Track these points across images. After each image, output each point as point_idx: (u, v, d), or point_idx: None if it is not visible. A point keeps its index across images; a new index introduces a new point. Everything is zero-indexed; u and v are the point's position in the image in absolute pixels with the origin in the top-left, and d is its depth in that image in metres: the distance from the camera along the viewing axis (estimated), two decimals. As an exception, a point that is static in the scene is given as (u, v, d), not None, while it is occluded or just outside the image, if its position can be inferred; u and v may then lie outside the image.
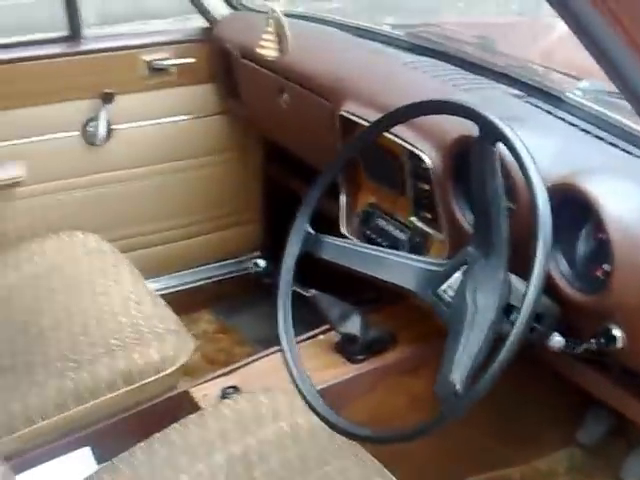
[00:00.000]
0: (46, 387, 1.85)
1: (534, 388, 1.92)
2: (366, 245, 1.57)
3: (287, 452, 1.63)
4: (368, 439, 1.45)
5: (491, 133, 1.32)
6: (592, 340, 1.40)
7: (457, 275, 1.43)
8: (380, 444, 1.52)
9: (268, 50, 1.90)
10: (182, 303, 2.66)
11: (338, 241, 1.57)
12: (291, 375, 1.52)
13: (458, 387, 1.26)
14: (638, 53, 0.84)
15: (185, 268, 2.82)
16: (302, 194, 2.37)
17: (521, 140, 1.29)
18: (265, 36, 1.89)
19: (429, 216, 1.83)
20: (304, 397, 1.50)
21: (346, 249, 1.56)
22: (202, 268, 2.83)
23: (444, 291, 1.44)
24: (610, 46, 0.85)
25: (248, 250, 2.90)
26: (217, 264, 2.87)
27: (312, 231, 1.59)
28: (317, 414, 1.48)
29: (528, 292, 1.23)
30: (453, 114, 1.42)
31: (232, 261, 2.88)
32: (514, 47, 2.04)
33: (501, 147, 1.34)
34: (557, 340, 1.38)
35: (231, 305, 2.81)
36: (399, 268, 1.49)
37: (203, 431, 1.67)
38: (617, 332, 1.37)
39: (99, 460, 1.83)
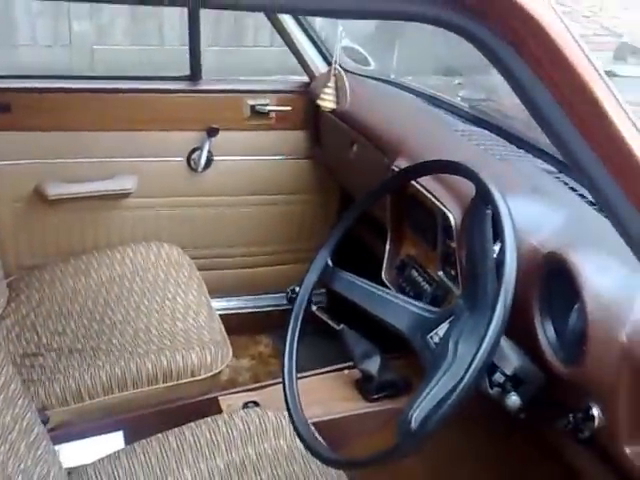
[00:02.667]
0: (100, 371, 1.87)
1: (528, 459, 1.73)
2: (374, 285, 1.48)
3: (279, 469, 1.57)
4: (327, 461, 1.35)
5: (484, 194, 1.22)
6: (570, 415, 1.25)
7: (445, 324, 1.32)
8: (333, 467, 1.42)
9: (326, 102, 1.85)
10: (245, 324, 2.67)
11: (350, 276, 1.50)
12: (286, 400, 1.44)
13: (413, 425, 1.15)
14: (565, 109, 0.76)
15: (254, 293, 2.78)
16: (368, 242, 2.34)
17: (506, 204, 1.18)
18: (326, 89, 1.84)
19: (453, 273, 1.72)
20: (292, 422, 1.41)
21: (354, 285, 1.48)
22: (270, 296, 2.78)
23: (431, 337, 1.33)
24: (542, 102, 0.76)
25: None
26: (283, 294, 2.81)
27: (330, 264, 1.52)
28: (298, 433, 1.40)
29: (479, 349, 1.11)
30: (456, 174, 1.32)
31: (301, 294, 2.82)
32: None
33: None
34: (513, 400, 1.25)
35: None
36: (395, 309, 1.40)
37: (213, 434, 1.63)
38: (595, 411, 1.22)
39: (127, 443, 1.80)
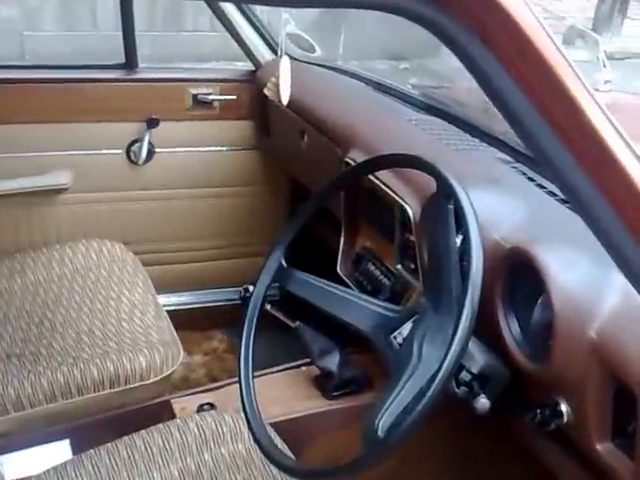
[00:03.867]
0: (41, 377, 1.79)
1: (500, 456, 1.72)
2: (331, 284, 1.44)
3: (237, 475, 1.52)
4: (287, 469, 1.32)
5: (446, 190, 1.20)
6: (538, 411, 1.24)
7: (408, 324, 1.30)
8: (295, 477, 1.38)
9: (270, 92, 1.82)
10: (196, 320, 2.62)
11: (305, 276, 1.46)
12: (242, 404, 1.40)
13: (380, 434, 1.12)
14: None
15: (204, 288, 2.72)
16: (322, 236, 2.31)
17: (469, 200, 1.16)
18: (272, 79, 1.81)
19: (412, 266, 1.70)
20: (251, 428, 1.38)
21: (311, 285, 1.44)
22: (222, 290, 2.73)
23: (394, 337, 1.30)
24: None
25: None
26: (235, 289, 2.76)
27: (285, 264, 1.48)
28: (255, 439, 1.36)
29: (448, 353, 1.09)
30: (416, 168, 1.30)
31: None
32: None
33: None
34: (482, 402, 1.24)
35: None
36: (356, 309, 1.37)
37: (165, 441, 1.57)
38: (564, 407, 1.21)
39: (75, 454, 1.74)
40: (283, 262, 1.48)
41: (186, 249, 2.66)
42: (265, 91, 1.83)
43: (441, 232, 1.22)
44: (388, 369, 1.28)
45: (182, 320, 2.13)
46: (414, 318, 1.29)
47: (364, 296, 1.41)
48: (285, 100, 1.84)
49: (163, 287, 2.35)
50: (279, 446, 1.42)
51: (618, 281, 1.14)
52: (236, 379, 1.89)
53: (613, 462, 1.14)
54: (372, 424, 1.14)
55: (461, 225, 1.19)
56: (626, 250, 0.78)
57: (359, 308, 1.37)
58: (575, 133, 0.76)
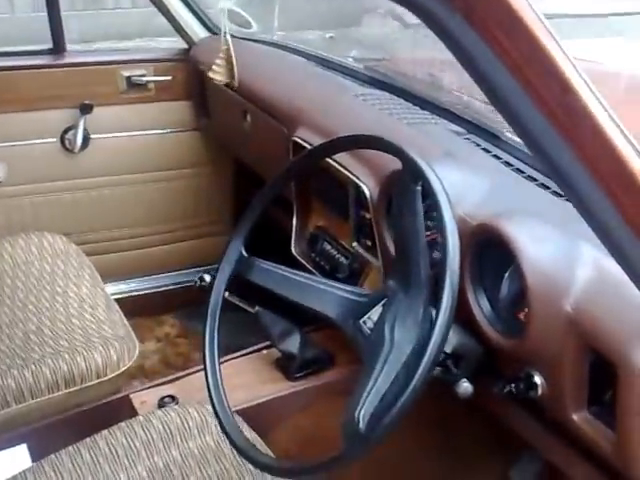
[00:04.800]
0: (-10, 383, 1.70)
1: (469, 422, 1.71)
2: (294, 271, 1.39)
3: (208, 469, 1.46)
4: (265, 467, 1.27)
5: (413, 171, 1.16)
6: (512, 384, 1.22)
7: (378, 308, 1.25)
8: (270, 474, 1.33)
9: (218, 75, 1.74)
10: (147, 306, 2.56)
11: (267, 265, 1.40)
12: (210, 397, 1.35)
13: (362, 426, 1.08)
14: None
15: (153, 273, 2.66)
16: (275, 219, 2.25)
17: (439, 180, 1.12)
18: (217, 61, 1.73)
19: (369, 243, 1.66)
20: (219, 420, 1.32)
21: (274, 274, 1.39)
22: (170, 274, 2.67)
23: (364, 322, 1.26)
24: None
25: (214, 260, 2.72)
26: (185, 271, 2.70)
27: (245, 253, 1.42)
28: (227, 435, 1.31)
29: (433, 332, 1.05)
30: (380, 150, 1.25)
31: (199, 269, 2.70)
32: (462, 84, 1.87)
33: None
34: (464, 387, 1.21)
35: (195, 311, 2.62)
36: (322, 296, 1.32)
37: (130, 440, 1.50)
38: (538, 379, 1.19)
39: (35, 458, 1.66)
40: (243, 251, 1.42)
41: (130, 236, 2.58)
42: (210, 74, 1.75)
43: (408, 215, 1.17)
44: (360, 355, 1.24)
45: (132, 307, 2.08)
46: (383, 302, 1.24)
47: (330, 282, 1.36)
48: (237, 81, 1.77)
49: (110, 275, 2.28)
50: (246, 433, 1.37)
51: (590, 255, 1.12)
52: (195, 369, 1.86)
53: (592, 433, 1.12)
54: (352, 417, 1.09)
55: (432, 207, 1.15)
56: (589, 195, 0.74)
57: (325, 294, 1.32)
58: (563, 113, 0.73)
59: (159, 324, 2.60)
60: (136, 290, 2.61)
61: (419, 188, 1.16)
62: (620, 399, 1.04)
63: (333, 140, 1.33)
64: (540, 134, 0.72)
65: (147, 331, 2.49)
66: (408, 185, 1.17)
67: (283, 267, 1.39)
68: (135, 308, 2.09)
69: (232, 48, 1.70)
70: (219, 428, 1.45)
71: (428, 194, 1.15)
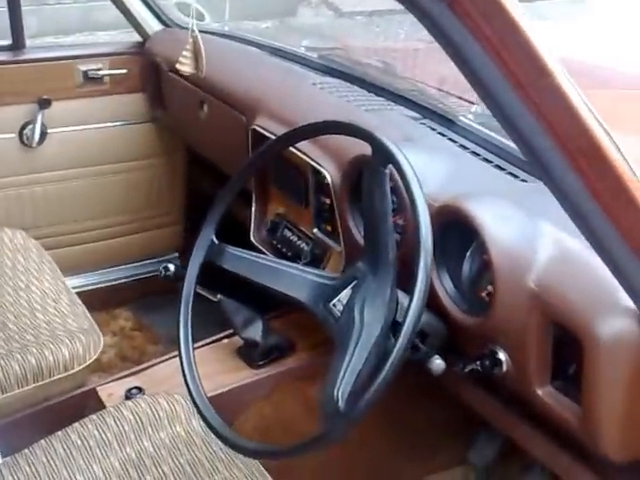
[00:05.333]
0: (-42, 380, 1.67)
1: (428, 403, 1.73)
2: (264, 257, 1.40)
3: (180, 458, 1.47)
4: (245, 451, 1.28)
5: (383, 155, 1.17)
6: (477, 362, 1.24)
7: (347, 290, 1.27)
8: (255, 458, 1.34)
9: (185, 66, 1.74)
10: (103, 300, 2.53)
11: (238, 252, 1.41)
12: (187, 384, 1.35)
13: (341, 404, 1.09)
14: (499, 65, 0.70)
15: (108, 266, 2.64)
16: (233, 209, 2.23)
17: (409, 164, 1.14)
18: (184, 53, 1.73)
19: (329, 229, 1.68)
20: (197, 407, 1.32)
21: (245, 260, 1.39)
22: (124, 267, 2.66)
23: (334, 305, 1.27)
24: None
25: (169, 251, 2.73)
26: (139, 264, 2.69)
27: (216, 241, 1.42)
28: (207, 423, 1.31)
29: (409, 311, 1.07)
30: (350, 135, 1.26)
31: (153, 261, 2.70)
32: (414, 71, 1.90)
33: (392, 169, 1.18)
34: (437, 363, 1.23)
35: (149, 304, 2.61)
36: (293, 280, 1.33)
37: (102, 432, 1.50)
38: (502, 356, 1.22)
39: (5, 454, 1.64)
40: (214, 239, 1.42)
41: (88, 229, 2.56)
42: (177, 66, 1.75)
43: (378, 198, 1.19)
44: (332, 337, 1.25)
45: (89, 301, 2.03)
46: (352, 284, 1.26)
47: (300, 266, 1.37)
48: (204, 72, 1.77)
49: (68, 269, 2.25)
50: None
51: (552, 233, 1.15)
52: (158, 359, 1.85)
53: (557, 407, 1.15)
54: (331, 396, 1.10)
55: (393, 191, 1.16)
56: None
57: (295, 279, 1.33)
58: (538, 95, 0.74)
59: (114, 317, 2.57)
60: (92, 284, 2.59)
61: (388, 171, 1.18)
62: (585, 372, 1.07)
63: (303, 126, 1.34)
64: (517, 116, 0.74)
65: (103, 325, 2.42)
66: (377, 168, 1.18)
67: (254, 253, 1.39)
68: (91, 302, 2.06)
69: (200, 40, 1.70)
70: (193, 417, 1.46)
71: (396, 177, 1.17)
